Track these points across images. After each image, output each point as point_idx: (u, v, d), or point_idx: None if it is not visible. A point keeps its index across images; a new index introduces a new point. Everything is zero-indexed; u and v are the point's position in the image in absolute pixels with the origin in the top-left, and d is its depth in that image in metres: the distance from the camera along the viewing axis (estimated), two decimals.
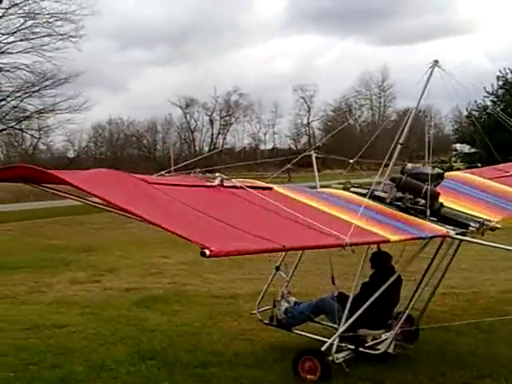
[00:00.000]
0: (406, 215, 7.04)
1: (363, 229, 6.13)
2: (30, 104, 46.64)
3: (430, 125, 7.92)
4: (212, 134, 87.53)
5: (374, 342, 7.07)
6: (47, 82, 44.66)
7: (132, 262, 14.58)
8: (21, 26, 43.03)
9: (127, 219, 20.90)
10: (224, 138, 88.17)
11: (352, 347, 7.04)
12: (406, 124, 7.84)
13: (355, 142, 55.06)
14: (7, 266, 14.19)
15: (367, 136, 76.40)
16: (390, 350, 7.02)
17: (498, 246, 6.68)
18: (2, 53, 44.15)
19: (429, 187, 7.02)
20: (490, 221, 7.20)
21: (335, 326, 7.10)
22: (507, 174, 9.44)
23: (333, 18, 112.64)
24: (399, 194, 7.19)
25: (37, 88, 44.93)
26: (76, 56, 62.84)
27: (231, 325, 8.78)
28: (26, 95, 45.61)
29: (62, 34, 43.53)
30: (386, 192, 7.28)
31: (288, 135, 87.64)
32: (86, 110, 48.07)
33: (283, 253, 7.65)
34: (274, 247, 4.87)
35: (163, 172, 6.18)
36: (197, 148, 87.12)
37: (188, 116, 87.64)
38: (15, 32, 43.29)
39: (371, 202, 7.00)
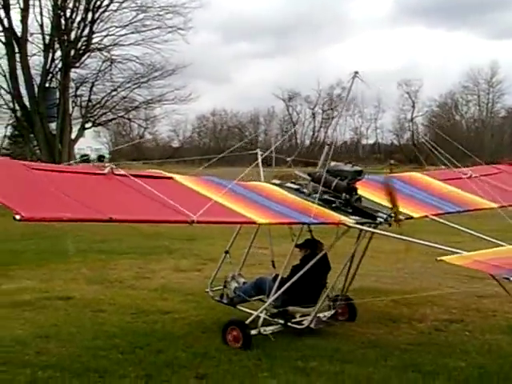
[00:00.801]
0: (306, 203, 7.88)
1: (230, 210, 7.10)
2: (138, 94, 48.15)
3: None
4: (314, 127, 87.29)
5: (301, 318, 8.05)
6: (156, 74, 45.98)
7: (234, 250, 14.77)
8: (133, 19, 44.41)
9: None
10: (325, 132, 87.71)
11: (282, 322, 7.99)
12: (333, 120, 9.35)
13: (461, 138, 53.38)
14: (115, 251, 14.74)
15: (473, 132, 74.33)
16: (312, 325, 7.97)
17: (390, 235, 7.53)
18: (115, 45, 45.76)
19: (343, 182, 8.02)
20: (401, 214, 7.85)
21: (271, 302, 8.05)
22: (464, 176, 10.05)
23: (441, 11, 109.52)
24: (318, 188, 8.08)
25: (146, 79, 46.37)
26: (183, 48, 64.04)
27: None
28: (136, 86, 47.13)
29: (171, 27, 44.57)
30: (300, 185, 8.47)
31: (391, 130, 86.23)
32: (192, 101, 49.11)
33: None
34: (98, 217, 5.65)
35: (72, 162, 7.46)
36: (298, 141, 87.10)
37: (290, 109, 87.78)
38: (127, 25, 44.75)
39: (281, 192, 8.20)
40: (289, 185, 8.54)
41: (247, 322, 7.82)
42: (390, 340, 7.86)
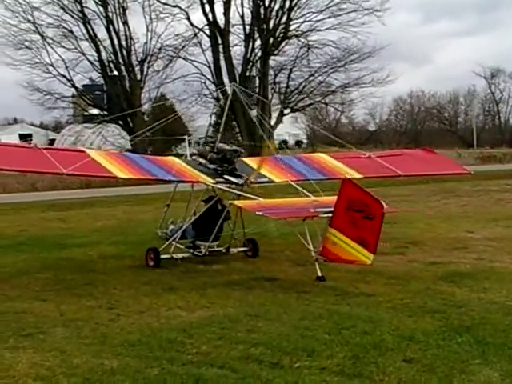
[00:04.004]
0: (187, 169, 11.64)
1: (100, 167, 10.69)
2: (335, 79, 48.51)
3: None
4: None
5: (207, 249, 11.74)
6: (352, 57, 46.03)
7: (436, 235, 14.43)
8: (329, 3, 44.70)
9: (430, 192, 20.95)
10: None
11: (191, 251, 11.76)
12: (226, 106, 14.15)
13: None
14: (315, 234, 14.90)
15: None
16: (206, 253, 11.73)
17: (239, 193, 11.54)
18: (312, 30, 46.33)
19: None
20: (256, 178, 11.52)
21: (189, 240, 11.90)
22: (362, 157, 13.42)
23: None
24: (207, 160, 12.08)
25: (342, 63, 46.53)
26: (380, 30, 63.29)
27: None
28: (332, 70, 47.46)
29: (367, 9, 44.31)
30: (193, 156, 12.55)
31: None
32: (389, 83, 48.52)
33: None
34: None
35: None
36: (502, 120, 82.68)
37: (493, 87, 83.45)
38: (324, 10, 45.17)
39: (179, 162, 11.92)
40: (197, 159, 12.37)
41: (160, 248, 11.54)
42: None
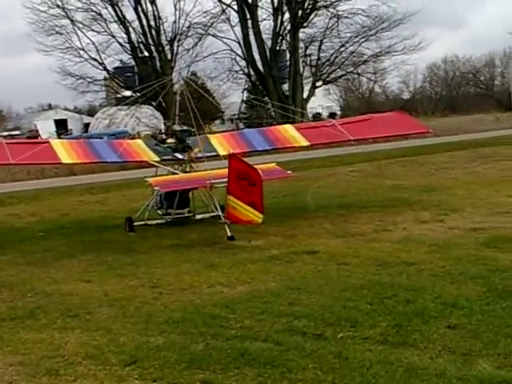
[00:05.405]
0: (142, 151, 13.89)
1: (52, 153, 12.80)
2: (366, 48, 47.91)
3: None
4: None
5: (174, 215, 13.56)
6: (383, 25, 45.30)
7: (476, 201, 14.24)
8: None
9: (468, 158, 20.70)
10: None
11: (165, 218, 13.61)
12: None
13: None
14: (355, 205, 14.93)
15: None
16: (171, 219, 13.52)
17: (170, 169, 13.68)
18: (341, 0, 45.68)
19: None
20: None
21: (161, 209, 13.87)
22: (328, 124, 14.86)
23: None
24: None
25: (373, 31, 45.88)
26: None
27: None
28: (364, 39, 46.85)
29: None
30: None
31: None
32: (421, 49, 47.81)
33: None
34: None
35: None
36: None
37: None
38: None
39: (138, 144, 14.54)
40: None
41: (134, 217, 13.56)
42: None
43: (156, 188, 12.74)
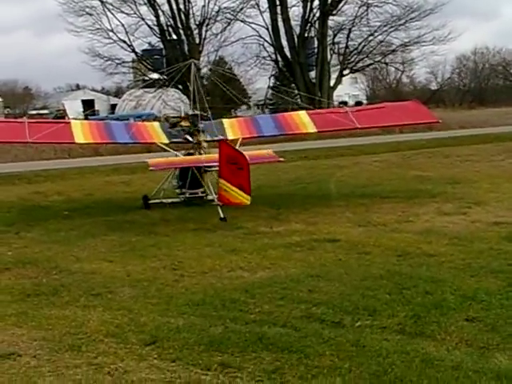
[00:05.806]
0: (156, 133, 14.63)
1: (68, 133, 13.59)
2: (395, 38, 47.47)
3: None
4: None
5: (187, 195, 14.39)
6: (413, 15, 44.89)
7: (500, 195, 14.16)
8: None
9: (494, 151, 20.53)
10: None
11: (181, 197, 14.45)
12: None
13: None
14: (377, 195, 14.92)
15: None
16: (185, 199, 14.34)
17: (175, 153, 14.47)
18: None
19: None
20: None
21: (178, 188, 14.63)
22: (341, 111, 15.40)
23: None
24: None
25: (403, 21, 45.47)
26: None
27: None
28: (393, 29, 46.45)
29: None
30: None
31: None
32: (451, 40, 47.27)
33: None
34: None
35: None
36: None
37: None
38: None
39: (153, 127, 15.22)
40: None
41: (150, 195, 14.47)
42: None
43: (151, 168, 13.38)
